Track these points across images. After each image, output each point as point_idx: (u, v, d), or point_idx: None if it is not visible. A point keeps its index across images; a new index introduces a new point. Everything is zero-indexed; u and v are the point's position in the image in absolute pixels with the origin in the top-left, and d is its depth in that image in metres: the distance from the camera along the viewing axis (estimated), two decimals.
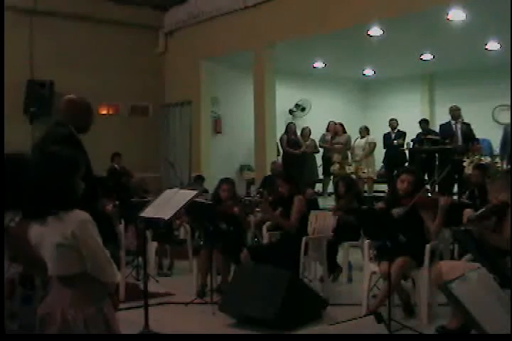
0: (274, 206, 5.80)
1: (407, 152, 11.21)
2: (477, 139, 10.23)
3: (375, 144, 11.53)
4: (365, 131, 11.64)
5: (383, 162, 11.67)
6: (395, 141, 11.32)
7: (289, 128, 11.88)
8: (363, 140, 11.54)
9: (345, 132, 11.81)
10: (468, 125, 10.11)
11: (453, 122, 10.08)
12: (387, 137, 11.58)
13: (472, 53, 10.91)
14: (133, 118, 12.07)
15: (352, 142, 11.73)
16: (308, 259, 5.66)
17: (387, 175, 11.18)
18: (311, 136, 12.08)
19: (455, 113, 10.08)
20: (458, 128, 10.00)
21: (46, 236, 2.46)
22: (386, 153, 11.57)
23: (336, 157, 11.26)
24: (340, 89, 14.08)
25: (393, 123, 11.59)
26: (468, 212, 4.47)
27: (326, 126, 12.31)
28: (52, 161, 2.55)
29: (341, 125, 11.88)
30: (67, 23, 11.05)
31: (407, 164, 11.06)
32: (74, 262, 2.45)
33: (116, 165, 10.43)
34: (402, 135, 11.38)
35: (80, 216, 2.46)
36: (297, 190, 5.81)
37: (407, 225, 4.60)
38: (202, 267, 5.85)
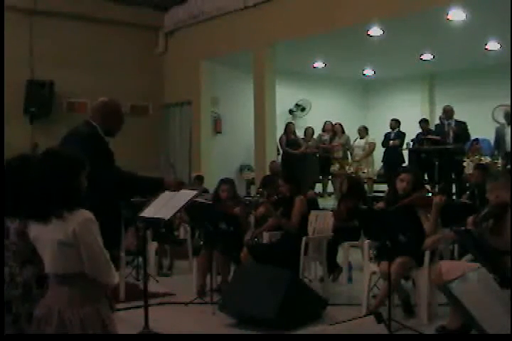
0: (275, 206, 5.80)
1: (404, 152, 11.21)
2: (477, 139, 10.24)
3: (374, 144, 11.51)
4: (364, 132, 11.62)
5: (382, 161, 11.68)
6: (391, 142, 11.32)
7: (288, 128, 11.83)
8: (363, 140, 11.54)
9: (343, 132, 11.82)
10: (461, 123, 10.17)
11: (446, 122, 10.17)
12: (387, 137, 11.58)
13: (472, 53, 10.89)
14: (133, 118, 12.05)
15: (351, 142, 11.74)
16: (308, 259, 5.66)
17: (386, 175, 11.20)
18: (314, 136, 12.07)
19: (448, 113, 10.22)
20: (450, 128, 10.12)
21: (47, 232, 2.45)
22: (384, 153, 11.59)
23: (336, 155, 11.31)
24: (340, 89, 14.06)
25: (392, 123, 11.56)
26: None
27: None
28: (57, 161, 2.55)
29: (340, 125, 11.89)
30: (67, 23, 11.03)
31: (405, 164, 11.07)
32: (73, 261, 2.43)
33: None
34: (400, 136, 11.38)
35: (83, 215, 2.45)
36: (298, 190, 5.81)
37: (407, 225, 4.59)
38: (202, 267, 5.85)
